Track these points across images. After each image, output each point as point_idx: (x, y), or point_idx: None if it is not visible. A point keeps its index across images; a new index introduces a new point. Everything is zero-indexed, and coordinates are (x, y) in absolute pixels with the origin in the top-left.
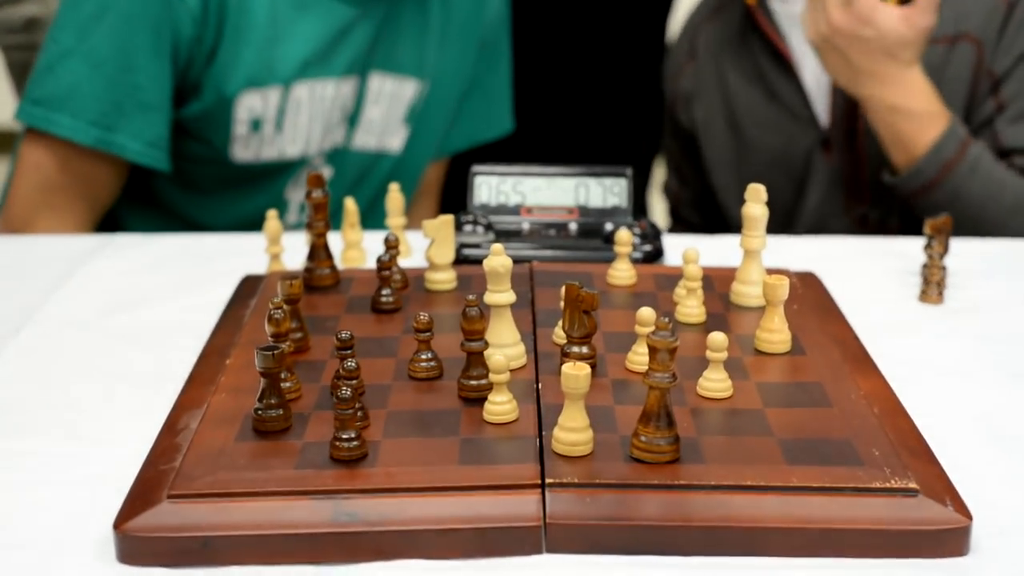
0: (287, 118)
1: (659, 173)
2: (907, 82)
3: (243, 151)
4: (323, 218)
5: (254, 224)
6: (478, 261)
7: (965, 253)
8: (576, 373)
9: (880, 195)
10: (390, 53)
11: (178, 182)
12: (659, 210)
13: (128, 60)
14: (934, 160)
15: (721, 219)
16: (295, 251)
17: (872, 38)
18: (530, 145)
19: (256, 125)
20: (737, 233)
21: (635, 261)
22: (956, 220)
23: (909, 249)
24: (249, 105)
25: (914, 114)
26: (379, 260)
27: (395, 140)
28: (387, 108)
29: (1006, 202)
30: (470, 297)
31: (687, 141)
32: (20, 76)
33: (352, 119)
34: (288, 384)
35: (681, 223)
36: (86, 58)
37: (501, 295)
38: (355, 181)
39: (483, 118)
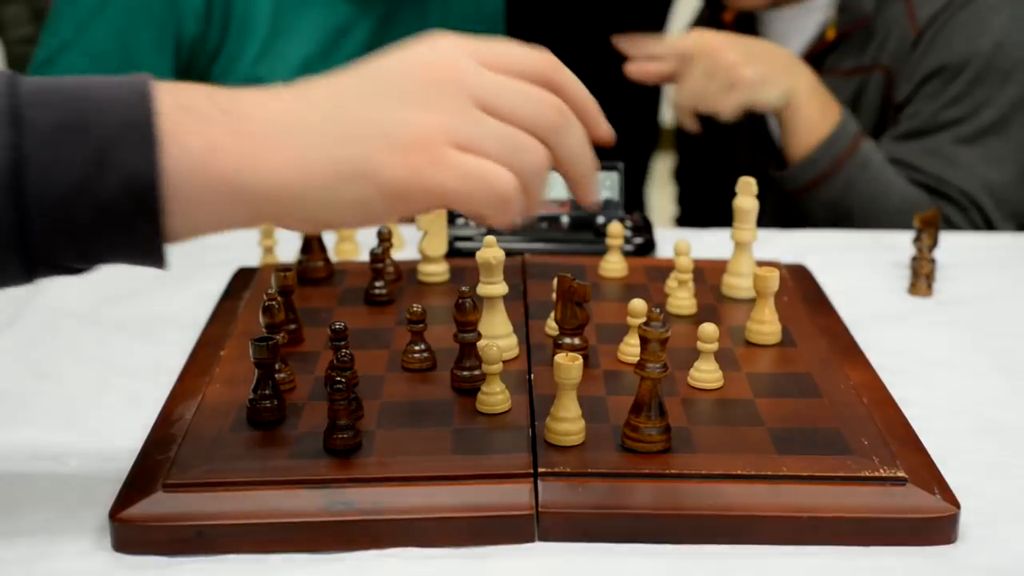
0: None
1: (659, 168)
2: (804, 72)
3: None
4: None
5: None
6: (470, 254)
7: (954, 246)
8: (569, 363)
9: None
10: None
11: None
12: (658, 205)
13: (129, 54)
14: (827, 152)
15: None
16: (288, 244)
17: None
18: None
19: None
20: (727, 226)
21: (627, 254)
22: (838, 220)
23: (898, 242)
24: None
25: (811, 104)
26: (372, 252)
27: None
28: None
29: (891, 203)
30: (463, 288)
31: None
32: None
33: None
34: (282, 375)
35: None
36: (86, 51)
37: (494, 287)
38: None
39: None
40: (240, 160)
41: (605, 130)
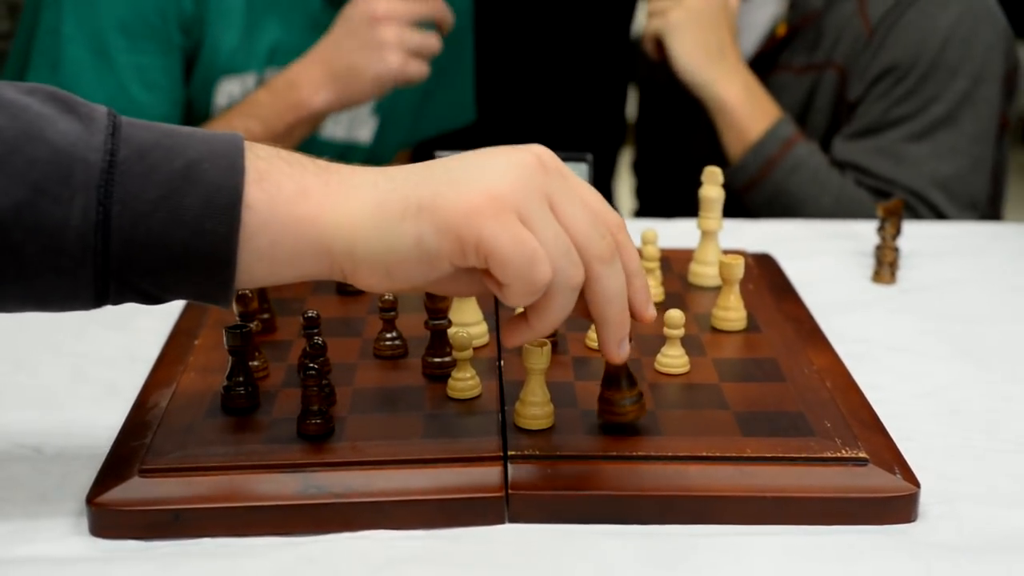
0: None
1: (625, 163)
2: (742, 71)
3: None
4: None
5: None
6: None
7: (917, 235)
8: (537, 349)
9: None
10: None
11: None
12: (625, 197)
13: (134, 44)
14: (757, 157)
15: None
16: None
17: (722, 13)
18: (497, 134)
19: None
20: (693, 216)
21: None
22: (778, 214)
23: (862, 231)
24: (228, 91)
25: (746, 106)
26: None
27: (364, 131)
28: None
29: (824, 205)
30: None
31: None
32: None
33: None
34: (256, 363)
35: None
36: (88, 44)
37: None
38: None
39: (448, 108)
40: (323, 203)
41: (646, 312)
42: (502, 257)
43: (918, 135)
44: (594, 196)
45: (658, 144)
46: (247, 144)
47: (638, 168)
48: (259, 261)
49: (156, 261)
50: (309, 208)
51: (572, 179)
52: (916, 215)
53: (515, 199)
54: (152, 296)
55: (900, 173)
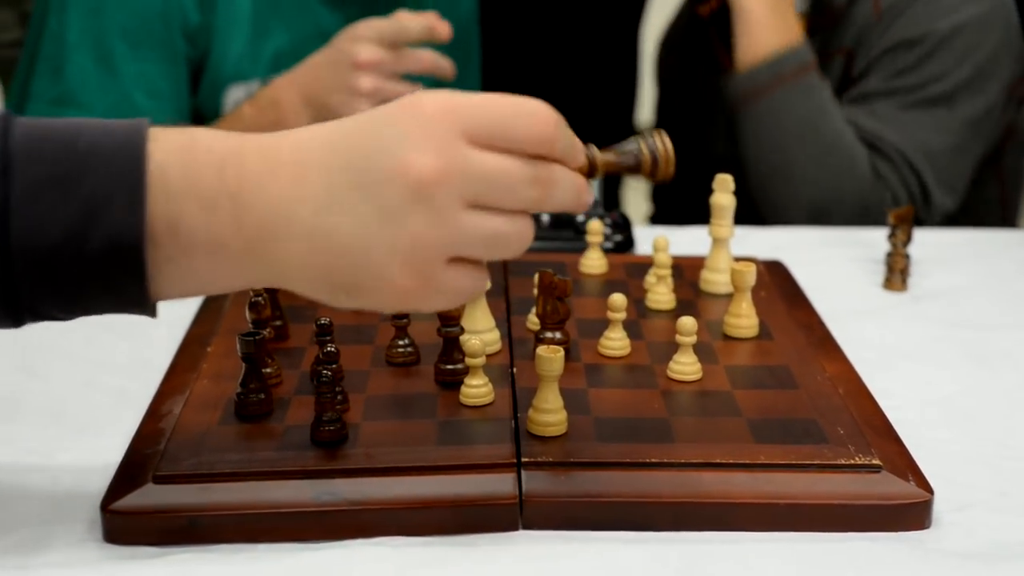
0: None
1: None
2: None
3: None
4: None
5: None
6: None
7: (928, 242)
8: (551, 356)
9: None
10: None
11: None
12: (632, 202)
13: (137, 51)
14: (770, 70)
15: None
16: None
17: None
18: None
19: None
20: (703, 223)
21: (606, 251)
22: (767, 147)
23: (873, 238)
24: (236, 98)
25: (770, 17)
26: None
27: None
28: None
29: (823, 138)
30: None
31: None
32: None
33: None
34: (269, 370)
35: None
36: (93, 51)
37: None
38: None
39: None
40: (243, 259)
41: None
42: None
43: (912, 105)
44: (506, 129)
45: (675, 146)
46: (153, 171)
47: None
48: (177, 284)
49: (66, 298)
50: (226, 258)
51: (480, 134)
52: (898, 174)
53: (437, 247)
54: (69, 318)
55: (889, 133)
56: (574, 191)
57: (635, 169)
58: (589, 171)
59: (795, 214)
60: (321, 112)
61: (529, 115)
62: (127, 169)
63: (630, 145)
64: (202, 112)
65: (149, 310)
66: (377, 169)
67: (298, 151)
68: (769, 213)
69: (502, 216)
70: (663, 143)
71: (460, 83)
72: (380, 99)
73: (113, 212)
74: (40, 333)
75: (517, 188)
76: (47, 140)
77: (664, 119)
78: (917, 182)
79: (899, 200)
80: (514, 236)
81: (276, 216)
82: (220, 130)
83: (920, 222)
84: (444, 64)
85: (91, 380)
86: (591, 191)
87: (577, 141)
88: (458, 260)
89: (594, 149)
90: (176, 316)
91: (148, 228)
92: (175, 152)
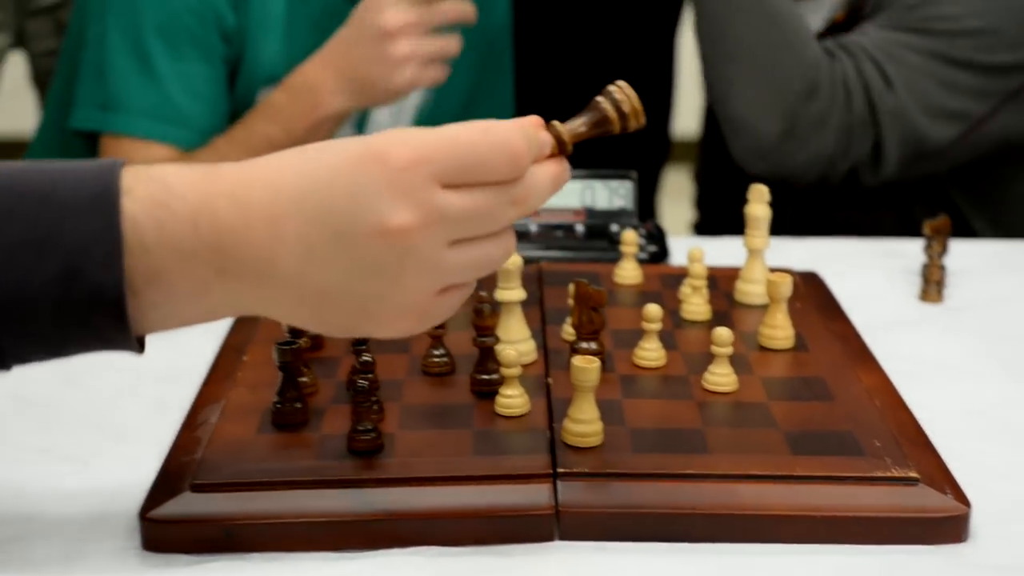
0: None
1: (670, 179)
2: None
3: None
4: None
5: None
6: None
7: (964, 253)
8: (586, 366)
9: None
10: None
11: None
12: (668, 214)
13: (176, 53)
14: None
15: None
16: None
17: None
18: None
19: None
20: (740, 235)
21: (641, 261)
22: (710, 19)
23: (909, 249)
24: None
25: None
26: None
27: None
28: (395, 113)
29: (767, 9)
30: (482, 294)
31: None
32: (46, 82)
33: (360, 123)
34: (305, 379)
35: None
36: (134, 53)
37: (512, 292)
38: None
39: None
40: (224, 298)
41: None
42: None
43: (898, 26)
44: (474, 167)
45: (721, 155)
46: (127, 227)
47: (701, 178)
48: (163, 324)
49: (51, 348)
50: (211, 300)
51: (449, 175)
52: (856, 65)
53: (428, 295)
54: (58, 358)
55: (858, 36)
56: (551, 184)
57: (606, 129)
58: (561, 150)
59: (740, 91)
60: (363, 89)
61: (497, 146)
62: (103, 226)
63: (593, 107)
64: (236, 114)
65: (136, 350)
66: (355, 227)
67: (270, 202)
68: (718, 96)
69: (486, 241)
70: (625, 94)
71: (493, 92)
72: (420, 62)
73: (92, 269)
74: None
75: (496, 215)
76: (23, 197)
77: (713, 127)
78: (878, 73)
79: (851, 93)
80: (500, 253)
81: (259, 263)
82: (192, 165)
83: (878, 123)
84: (468, 9)
85: (129, 388)
86: (567, 167)
87: (542, 134)
88: (448, 288)
89: (558, 127)
90: (213, 324)
91: (128, 281)
92: (148, 206)
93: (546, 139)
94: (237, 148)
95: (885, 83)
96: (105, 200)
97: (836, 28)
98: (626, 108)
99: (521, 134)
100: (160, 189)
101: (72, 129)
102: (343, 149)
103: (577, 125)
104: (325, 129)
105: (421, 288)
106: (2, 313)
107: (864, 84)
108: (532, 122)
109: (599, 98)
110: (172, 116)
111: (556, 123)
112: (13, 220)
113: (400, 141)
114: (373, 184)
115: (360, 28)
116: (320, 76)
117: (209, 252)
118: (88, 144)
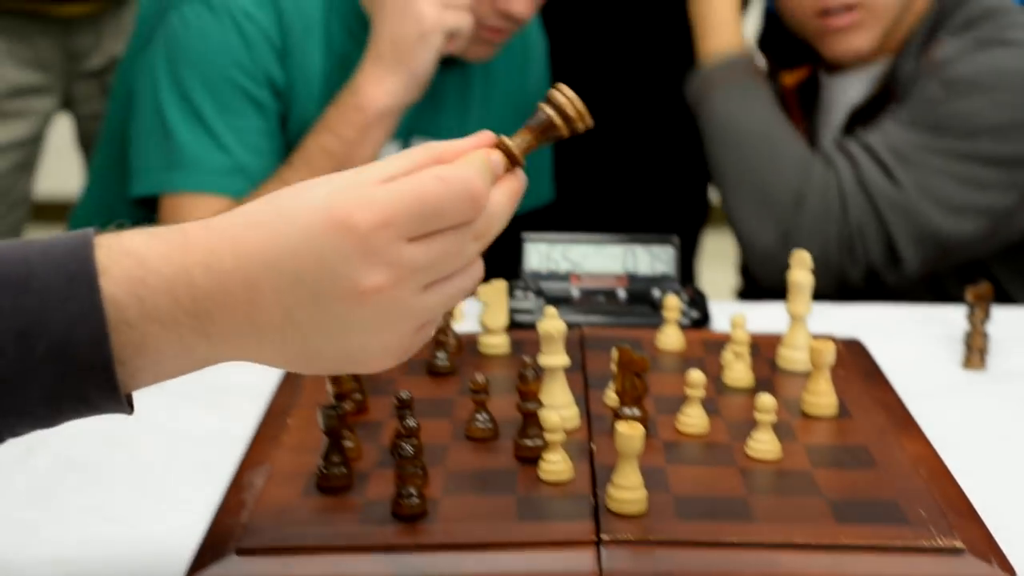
0: None
1: (709, 242)
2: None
3: None
4: None
5: None
6: (530, 326)
7: (1007, 321)
8: (631, 433)
9: None
10: (433, 119)
11: None
12: (707, 279)
13: (226, 108)
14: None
15: None
16: None
17: None
18: (576, 214)
19: None
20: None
21: (683, 327)
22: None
23: (951, 316)
24: None
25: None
26: None
27: None
28: None
29: (749, 133)
30: (526, 359)
31: None
32: (91, 145)
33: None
34: (348, 443)
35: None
36: (187, 109)
37: (555, 357)
38: None
39: (525, 187)
40: (211, 355)
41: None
42: None
43: (915, 124)
44: (434, 219)
45: None
46: (109, 308)
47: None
48: (153, 380)
49: (39, 422)
50: (198, 357)
51: (411, 228)
52: (852, 162)
53: (410, 333)
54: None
55: (867, 134)
56: (510, 204)
57: (554, 134)
58: (513, 163)
59: (735, 207)
60: (397, 57)
61: (456, 193)
62: (87, 308)
63: (537, 115)
64: None
65: (126, 411)
66: (330, 291)
67: (243, 268)
68: (726, 211)
69: (456, 277)
70: (567, 97)
71: (530, 156)
72: (436, 2)
73: (80, 351)
74: None
75: (463, 252)
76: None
77: None
78: (883, 175)
79: (847, 198)
80: (471, 283)
81: (240, 325)
82: (160, 233)
83: (884, 223)
84: None
85: (174, 451)
86: (522, 176)
87: (494, 156)
88: (425, 323)
89: (507, 142)
90: (256, 387)
91: (115, 356)
92: (126, 285)
93: (498, 159)
94: (297, 172)
95: (891, 183)
96: (83, 282)
97: (861, 113)
98: (570, 111)
99: (477, 173)
100: (135, 265)
101: (130, 197)
102: (309, 210)
103: (525, 136)
104: (378, 129)
105: (401, 332)
106: None
107: (863, 188)
108: (484, 142)
109: (541, 104)
110: (232, 169)
111: (504, 138)
112: None
113: (364, 204)
114: (341, 251)
115: (381, 5)
116: (361, 74)
117: (190, 318)
118: (135, 206)
